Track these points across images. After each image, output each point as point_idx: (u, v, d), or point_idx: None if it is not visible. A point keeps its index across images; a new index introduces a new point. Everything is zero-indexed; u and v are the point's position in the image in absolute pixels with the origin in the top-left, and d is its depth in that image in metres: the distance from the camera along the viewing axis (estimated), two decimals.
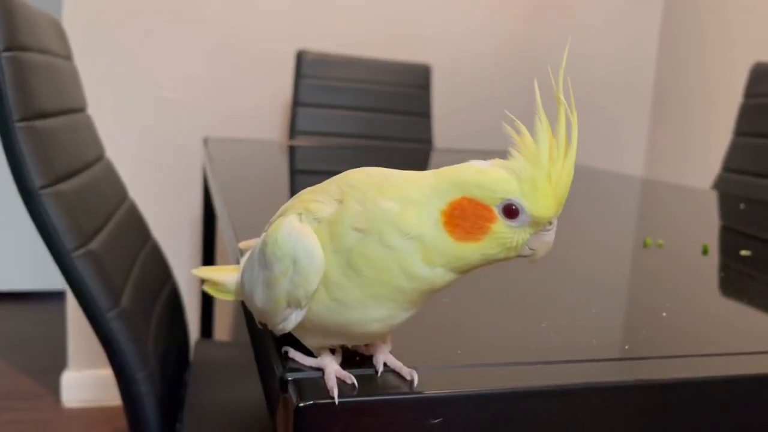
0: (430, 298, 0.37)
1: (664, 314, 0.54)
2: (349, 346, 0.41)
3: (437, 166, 0.37)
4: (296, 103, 1.99)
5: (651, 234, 0.91)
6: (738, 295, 0.64)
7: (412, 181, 0.36)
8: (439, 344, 0.45)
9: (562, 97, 0.34)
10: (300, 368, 0.38)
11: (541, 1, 2.36)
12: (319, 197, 0.39)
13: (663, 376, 0.41)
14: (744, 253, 0.79)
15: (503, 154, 0.36)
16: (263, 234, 0.41)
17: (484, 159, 0.37)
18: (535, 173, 0.34)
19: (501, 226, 0.34)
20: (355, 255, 0.35)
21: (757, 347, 0.48)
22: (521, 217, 0.34)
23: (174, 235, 1.99)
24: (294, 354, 0.39)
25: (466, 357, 0.42)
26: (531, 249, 0.35)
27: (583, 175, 1.69)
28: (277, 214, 0.41)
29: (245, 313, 0.59)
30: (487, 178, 0.35)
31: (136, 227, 1.13)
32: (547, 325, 0.49)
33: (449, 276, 0.35)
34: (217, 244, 1.79)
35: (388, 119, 2.09)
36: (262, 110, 2.13)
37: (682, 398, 0.41)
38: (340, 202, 0.37)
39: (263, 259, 0.39)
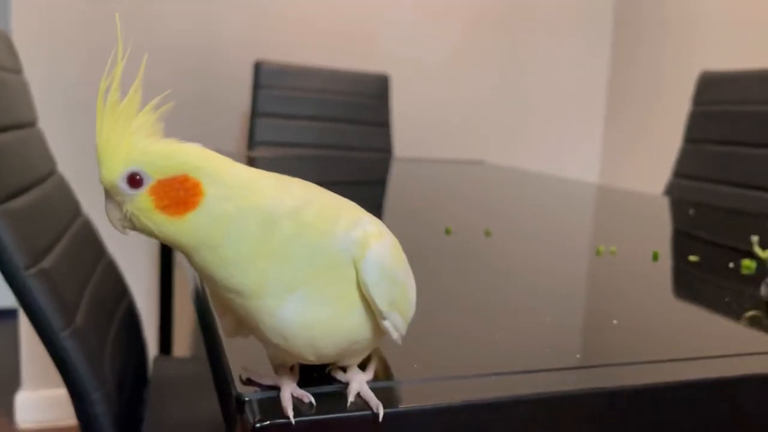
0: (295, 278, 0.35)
1: (615, 322, 0.55)
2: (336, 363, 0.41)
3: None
4: (255, 113, 1.98)
5: (604, 241, 0.94)
6: (686, 301, 0.66)
7: None
8: (392, 359, 0.45)
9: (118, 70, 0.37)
10: (258, 387, 0.38)
11: (494, 12, 2.39)
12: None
13: (614, 384, 0.42)
14: (692, 258, 0.82)
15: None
16: None
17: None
18: None
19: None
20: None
21: (706, 352, 0.50)
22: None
23: (130, 250, 1.95)
24: (252, 373, 0.39)
25: (421, 371, 0.43)
26: None
27: (538, 183, 1.72)
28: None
29: (203, 329, 0.59)
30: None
31: (91, 243, 1.11)
32: (501, 336, 0.50)
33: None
34: (175, 258, 1.77)
35: (348, 129, 2.09)
36: (219, 121, 2.12)
37: (634, 404, 0.42)
38: None
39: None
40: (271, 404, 0.37)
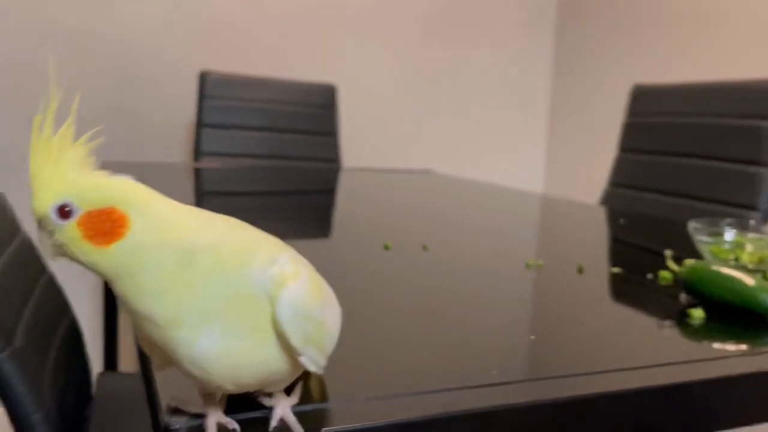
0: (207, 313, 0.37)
1: (532, 337, 0.59)
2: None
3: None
4: (200, 124, 1.98)
5: (535, 254, 0.98)
6: (607, 313, 0.70)
7: None
8: (331, 380, 0.47)
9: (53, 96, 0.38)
10: (187, 415, 0.40)
11: (440, 24, 2.44)
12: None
13: (534, 399, 0.45)
14: (615, 270, 0.86)
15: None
16: None
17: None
18: None
19: None
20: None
21: (626, 364, 0.54)
22: None
23: (72, 266, 1.92)
24: (180, 401, 0.41)
25: (357, 391, 0.45)
26: None
27: (481, 193, 1.76)
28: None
29: (140, 354, 0.60)
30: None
31: (30, 261, 1.10)
32: (428, 353, 0.53)
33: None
34: None
35: (295, 139, 2.11)
36: (165, 132, 2.10)
37: (559, 417, 0.46)
38: None
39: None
40: (197, 431, 0.38)
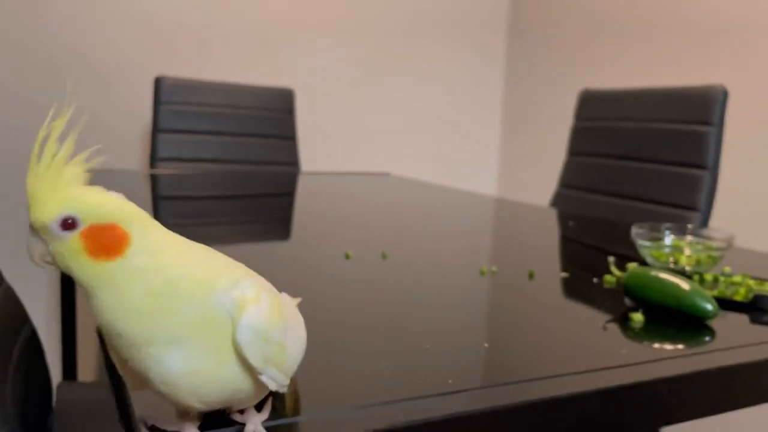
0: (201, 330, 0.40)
1: (486, 345, 0.63)
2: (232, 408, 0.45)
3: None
4: (156, 129, 1.97)
5: (490, 259, 1.02)
6: (558, 318, 0.75)
7: None
8: (306, 392, 0.50)
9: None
10: (163, 431, 0.42)
11: (396, 29, 2.47)
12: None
13: (489, 405, 0.49)
14: (563, 275, 0.91)
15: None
16: None
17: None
18: None
19: None
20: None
21: (575, 368, 0.58)
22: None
23: (29, 274, 1.90)
24: (155, 420, 0.43)
25: (320, 403, 0.48)
26: None
27: (437, 196, 1.80)
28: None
29: (108, 369, 0.62)
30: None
31: None
32: (391, 363, 0.56)
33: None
34: None
35: (253, 143, 2.12)
36: (120, 138, 2.09)
37: (520, 421, 0.50)
38: None
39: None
40: None
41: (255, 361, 0.40)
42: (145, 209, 0.42)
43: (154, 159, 1.96)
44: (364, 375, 0.55)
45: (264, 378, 0.41)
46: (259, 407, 0.46)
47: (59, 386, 1.31)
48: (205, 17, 2.16)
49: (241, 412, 0.45)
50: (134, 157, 2.13)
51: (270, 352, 0.41)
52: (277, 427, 0.44)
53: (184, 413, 0.43)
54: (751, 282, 0.86)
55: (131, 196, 0.43)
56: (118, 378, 0.53)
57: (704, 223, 1.39)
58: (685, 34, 2.00)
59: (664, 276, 0.75)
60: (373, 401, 0.49)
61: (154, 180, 1.84)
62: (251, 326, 0.40)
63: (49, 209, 0.39)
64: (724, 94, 1.42)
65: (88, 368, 2.07)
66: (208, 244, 0.45)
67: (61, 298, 1.72)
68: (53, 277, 1.99)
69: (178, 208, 1.50)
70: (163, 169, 1.95)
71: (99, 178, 1.69)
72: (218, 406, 0.43)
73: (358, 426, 0.45)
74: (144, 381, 0.41)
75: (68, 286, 1.72)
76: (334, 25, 2.35)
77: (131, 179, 1.82)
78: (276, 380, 0.42)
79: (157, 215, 1.38)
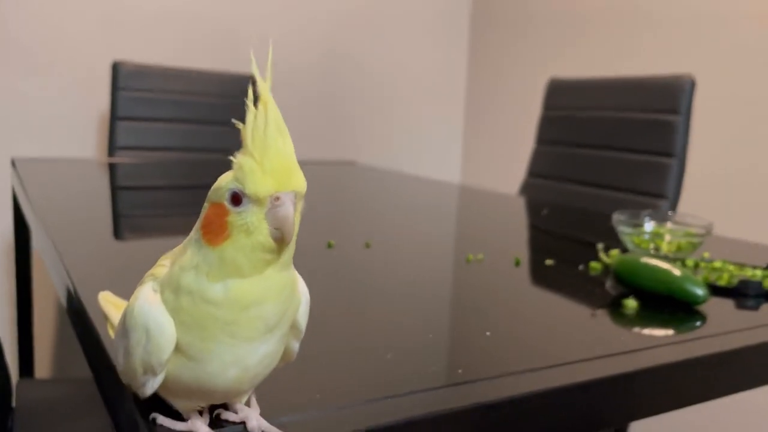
0: (267, 324, 0.39)
1: (488, 333, 0.62)
2: (226, 404, 0.43)
3: None
4: (114, 117, 1.90)
5: (472, 246, 1.01)
6: (550, 306, 0.74)
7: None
8: (292, 390, 0.48)
9: (259, 79, 0.38)
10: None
11: (359, 15, 2.44)
12: (167, 261, 0.41)
13: (499, 396, 0.48)
14: (548, 262, 0.91)
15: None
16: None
17: None
18: (242, 157, 0.38)
19: (233, 215, 0.37)
20: (177, 312, 0.38)
21: (580, 356, 0.57)
22: (244, 200, 0.37)
23: None
24: (163, 420, 0.40)
25: (325, 400, 0.46)
26: (275, 229, 0.37)
27: (408, 185, 1.79)
28: (141, 281, 0.42)
29: (94, 371, 0.58)
30: (219, 180, 0.39)
31: None
32: (393, 356, 0.55)
33: (244, 286, 0.38)
34: (34, 275, 1.67)
35: (215, 131, 2.06)
36: (76, 126, 2.01)
37: (517, 414, 0.48)
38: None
39: (123, 327, 0.41)
40: None
41: (304, 328, 0.43)
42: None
43: (112, 147, 1.89)
44: (370, 367, 0.53)
45: (296, 345, 0.44)
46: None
47: (19, 384, 1.26)
48: (163, 0, 2.09)
49: (234, 412, 0.42)
50: (91, 145, 2.05)
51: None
52: (286, 424, 0.42)
53: (193, 412, 0.41)
54: (731, 267, 0.87)
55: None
56: (109, 378, 0.50)
57: (672, 210, 1.42)
58: (653, 24, 2.03)
59: (655, 262, 0.76)
60: (384, 390, 0.47)
61: (112, 169, 1.77)
62: (306, 295, 0.44)
63: (302, 177, 0.39)
64: (692, 84, 1.44)
65: (44, 364, 2.00)
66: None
67: (16, 294, 1.64)
68: (7, 269, 1.91)
69: (139, 198, 1.45)
70: (121, 158, 1.88)
71: (54, 167, 1.63)
72: (242, 394, 0.42)
73: (364, 421, 0.43)
74: (194, 396, 0.40)
75: (23, 276, 1.64)
76: (296, 11, 2.31)
77: (88, 168, 1.75)
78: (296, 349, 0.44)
79: (116, 206, 1.33)
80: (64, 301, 0.74)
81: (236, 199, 0.37)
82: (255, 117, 0.37)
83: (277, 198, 0.37)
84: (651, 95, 1.50)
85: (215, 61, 2.14)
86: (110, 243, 0.97)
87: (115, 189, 1.53)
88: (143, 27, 2.08)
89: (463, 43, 2.70)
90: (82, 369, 1.99)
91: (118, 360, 0.42)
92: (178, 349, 0.38)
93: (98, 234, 1.00)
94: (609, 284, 0.81)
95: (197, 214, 0.40)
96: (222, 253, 0.37)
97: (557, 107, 1.76)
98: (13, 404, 1.16)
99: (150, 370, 0.39)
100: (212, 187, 0.39)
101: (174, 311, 0.38)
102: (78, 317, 0.62)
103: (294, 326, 0.42)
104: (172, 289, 0.39)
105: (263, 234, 0.37)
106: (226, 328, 0.37)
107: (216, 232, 0.38)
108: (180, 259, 0.39)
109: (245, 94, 0.38)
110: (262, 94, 0.38)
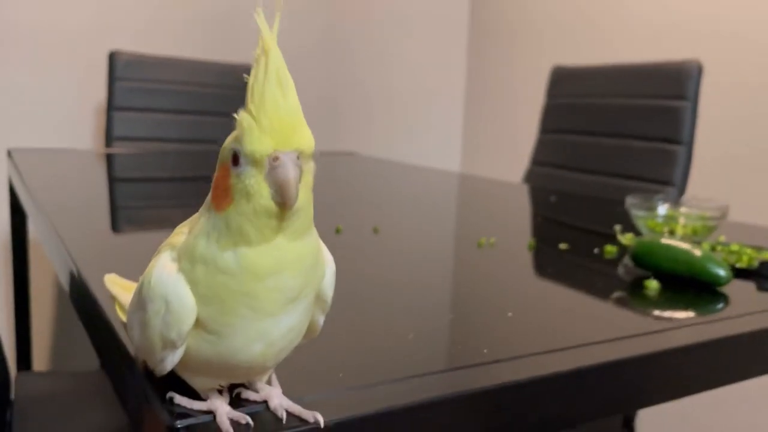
0: (287, 296, 0.36)
1: (510, 314, 0.59)
2: (246, 383, 0.40)
3: None
4: (111, 107, 1.87)
5: (482, 232, 0.99)
6: (570, 288, 0.72)
7: None
8: (314, 370, 0.46)
9: (264, 28, 0.35)
10: (188, 413, 0.37)
11: (354, 5, 2.42)
12: (185, 229, 0.39)
13: (525, 376, 0.45)
14: (563, 246, 0.89)
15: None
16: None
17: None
18: (242, 115, 0.34)
19: (233, 178, 0.34)
20: (195, 284, 0.36)
21: (609, 334, 0.55)
22: (242, 161, 0.34)
23: None
24: (180, 399, 0.38)
25: (348, 379, 0.44)
26: (275, 192, 0.34)
27: (412, 174, 1.77)
28: (157, 251, 0.40)
29: (101, 354, 0.56)
30: (225, 142, 0.36)
31: None
32: (415, 336, 0.53)
33: (254, 255, 0.35)
34: (31, 268, 1.64)
35: (213, 122, 2.03)
36: (73, 116, 1.98)
37: (547, 393, 0.46)
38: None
39: (139, 299, 0.38)
40: (207, 430, 0.36)
41: (330, 300, 0.41)
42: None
43: (109, 138, 1.86)
44: (392, 347, 0.51)
45: (321, 320, 0.42)
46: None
47: (17, 378, 1.23)
48: None
49: (255, 391, 0.40)
50: (88, 136, 2.02)
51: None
52: (308, 404, 0.40)
53: (212, 392, 0.38)
54: (749, 250, 0.85)
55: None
56: (118, 359, 0.47)
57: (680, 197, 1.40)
58: (656, 10, 2.01)
59: (676, 243, 0.74)
60: (409, 370, 0.45)
61: (109, 160, 1.74)
62: (332, 266, 0.41)
63: (312, 136, 0.35)
64: (699, 69, 1.42)
65: (42, 356, 1.97)
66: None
67: (14, 287, 1.62)
68: (2, 263, 1.88)
69: (136, 189, 1.42)
70: (118, 149, 1.85)
71: (51, 157, 1.60)
72: (267, 369, 0.40)
73: (391, 400, 0.41)
74: (217, 374, 0.38)
75: (20, 269, 1.62)
76: (297, 2, 2.28)
77: (85, 159, 1.72)
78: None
79: (113, 197, 1.30)
80: (66, 285, 0.71)
81: (236, 159, 0.34)
82: (256, 69, 0.34)
83: (276, 158, 0.33)
84: (658, 81, 1.48)
85: (213, 51, 2.11)
86: (107, 234, 0.95)
87: (111, 180, 1.50)
88: (140, 17, 2.04)
89: (462, 31, 2.68)
90: (80, 362, 1.97)
91: (133, 335, 0.40)
92: (197, 323, 0.36)
93: (95, 224, 0.97)
94: (626, 267, 0.79)
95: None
96: (227, 218, 0.35)
97: (562, 95, 1.74)
98: (12, 397, 1.14)
99: (169, 344, 0.36)
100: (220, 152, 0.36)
101: (192, 283, 0.36)
102: (83, 299, 0.60)
103: (320, 298, 0.40)
104: (188, 259, 0.36)
105: (264, 197, 0.34)
106: (244, 300, 0.35)
107: (221, 197, 0.35)
108: (195, 226, 0.37)
109: (244, 85, 0.35)
110: (265, 42, 0.35)
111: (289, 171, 0.33)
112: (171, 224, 0.42)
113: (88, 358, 1.98)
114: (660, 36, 1.96)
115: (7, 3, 1.84)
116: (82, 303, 0.61)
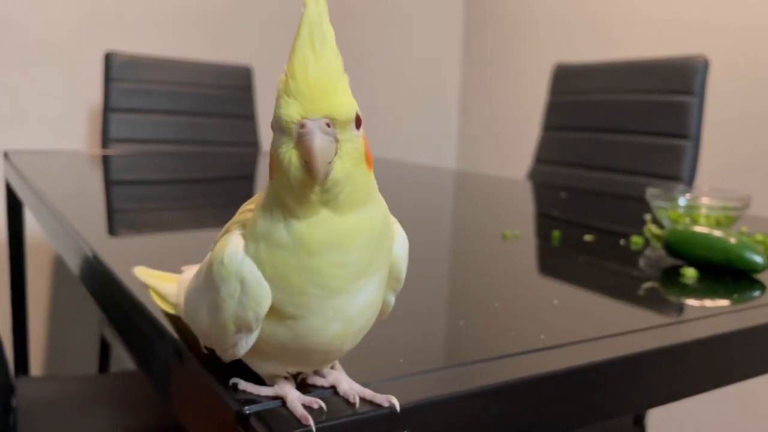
0: (351, 272, 0.34)
1: (555, 302, 0.58)
2: (310, 371, 0.38)
3: (265, 170, 0.36)
4: (107, 108, 1.84)
5: (500, 226, 0.98)
6: (604, 279, 0.71)
7: None
8: (373, 353, 0.44)
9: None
10: (254, 400, 0.35)
11: (356, 6, 2.41)
12: (252, 206, 0.37)
13: (591, 359, 0.44)
14: (587, 238, 0.88)
15: None
16: (209, 253, 0.37)
17: None
18: (280, 77, 0.33)
19: (272, 147, 0.33)
20: (260, 265, 0.33)
21: (654, 321, 0.54)
22: (275, 127, 0.32)
23: None
24: (245, 385, 0.36)
25: (409, 364, 0.42)
26: (305, 162, 0.31)
27: (417, 173, 1.76)
28: (222, 231, 0.38)
29: (132, 346, 0.53)
30: None
31: None
32: (465, 323, 0.51)
33: (304, 227, 0.32)
34: (28, 270, 1.60)
35: (210, 123, 2.01)
36: (68, 118, 1.94)
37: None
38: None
39: (209, 281, 0.36)
40: (278, 416, 0.34)
41: (403, 278, 0.38)
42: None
43: (105, 139, 1.83)
44: (446, 334, 0.49)
45: (392, 299, 0.39)
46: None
47: (17, 383, 1.20)
48: None
49: (321, 377, 0.38)
50: (84, 137, 1.98)
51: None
52: (373, 389, 0.38)
53: (277, 377, 0.36)
54: None
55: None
56: (167, 357, 0.45)
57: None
58: (657, 4, 2.02)
59: (710, 231, 0.73)
60: (466, 356, 0.43)
61: (105, 162, 1.71)
62: (404, 241, 0.38)
63: (350, 101, 0.32)
64: (705, 64, 1.42)
65: (37, 361, 1.93)
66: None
67: (11, 292, 1.58)
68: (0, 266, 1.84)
69: (132, 191, 1.39)
70: (115, 150, 1.82)
71: (47, 159, 1.57)
72: (342, 354, 0.37)
73: (456, 385, 0.39)
74: (287, 360, 0.36)
75: (17, 272, 1.58)
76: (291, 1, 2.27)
77: (81, 161, 1.69)
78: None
79: (110, 199, 1.27)
80: (84, 279, 0.69)
81: (274, 126, 0.32)
82: (294, 38, 0.32)
83: (303, 125, 0.31)
84: (664, 77, 1.48)
85: (210, 52, 2.08)
86: (104, 237, 0.93)
87: (108, 182, 1.47)
88: (136, 17, 2.02)
89: (457, 29, 2.67)
90: (76, 366, 1.93)
91: (199, 322, 0.38)
92: (271, 309, 0.34)
93: (95, 224, 0.95)
94: (657, 256, 0.78)
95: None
96: (273, 188, 0.33)
97: (565, 92, 1.74)
98: (14, 403, 1.11)
99: (245, 327, 0.34)
100: None
101: (258, 263, 0.34)
102: (111, 291, 0.57)
103: (392, 276, 0.38)
104: (251, 237, 0.34)
105: (294, 167, 0.31)
106: (308, 276, 0.33)
107: (270, 166, 0.33)
108: (258, 201, 0.35)
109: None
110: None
111: (314, 139, 0.31)
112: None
113: (83, 362, 1.94)
114: (663, 31, 1.96)
115: (2, 3, 1.81)
116: (111, 295, 0.58)
